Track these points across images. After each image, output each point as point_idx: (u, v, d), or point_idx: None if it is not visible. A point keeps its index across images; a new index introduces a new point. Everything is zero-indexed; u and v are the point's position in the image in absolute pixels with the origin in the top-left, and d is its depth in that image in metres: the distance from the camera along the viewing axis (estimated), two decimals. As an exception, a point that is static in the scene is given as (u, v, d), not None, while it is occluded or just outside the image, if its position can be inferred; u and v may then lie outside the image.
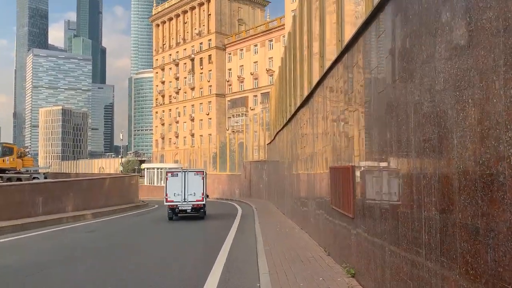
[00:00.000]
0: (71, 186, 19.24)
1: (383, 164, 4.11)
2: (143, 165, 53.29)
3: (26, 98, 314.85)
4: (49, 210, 16.68)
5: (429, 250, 3.09)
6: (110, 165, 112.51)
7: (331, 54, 8.18)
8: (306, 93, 10.31)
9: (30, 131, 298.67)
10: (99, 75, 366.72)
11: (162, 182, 48.50)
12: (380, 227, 4.23)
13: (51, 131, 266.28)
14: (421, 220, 3.24)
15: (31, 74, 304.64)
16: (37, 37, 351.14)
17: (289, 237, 9.76)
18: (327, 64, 7.58)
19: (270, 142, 25.01)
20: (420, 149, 3.24)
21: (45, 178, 30.06)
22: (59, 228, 14.37)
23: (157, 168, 48.73)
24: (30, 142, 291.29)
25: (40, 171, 39.44)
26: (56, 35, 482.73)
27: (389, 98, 3.95)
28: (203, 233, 13.05)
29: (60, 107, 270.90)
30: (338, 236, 6.31)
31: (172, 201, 17.06)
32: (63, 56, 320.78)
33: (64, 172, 70.29)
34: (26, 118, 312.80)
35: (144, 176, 49.70)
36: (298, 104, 11.63)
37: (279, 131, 18.03)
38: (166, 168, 49.26)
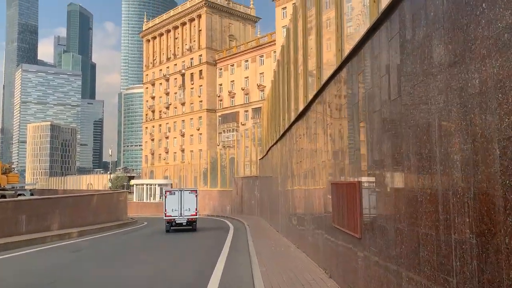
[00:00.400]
0: (56, 203, 18.54)
1: (398, 179, 3.69)
2: (132, 181, 52.42)
3: (14, 114, 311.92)
4: (33, 229, 15.99)
5: (463, 280, 2.65)
6: (99, 182, 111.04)
7: (330, 65, 7.83)
8: (301, 107, 9.94)
9: (18, 147, 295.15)
10: (88, 90, 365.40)
11: (152, 198, 47.68)
12: (395, 250, 3.79)
13: (39, 147, 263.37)
14: (450, 243, 2.80)
15: (20, 89, 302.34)
16: (27, 53, 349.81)
17: (285, 257, 9.27)
18: (326, 74, 7.23)
19: (262, 157, 24.58)
20: (447, 162, 2.82)
21: (32, 194, 29.28)
22: (42, 248, 13.70)
23: (146, 184, 47.96)
24: (18, 158, 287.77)
25: (26, 187, 38.57)
26: (45, 50, 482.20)
27: (405, 105, 3.55)
28: (194, 253, 12.45)
29: (49, 123, 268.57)
30: (342, 257, 5.85)
31: (170, 216, 19.49)
32: (53, 72, 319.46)
33: (52, 188, 69.02)
34: (14, 133, 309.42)
35: (133, 193, 48.81)
36: (293, 118, 11.25)
37: (272, 146, 17.62)
38: (155, 184, 48.59)
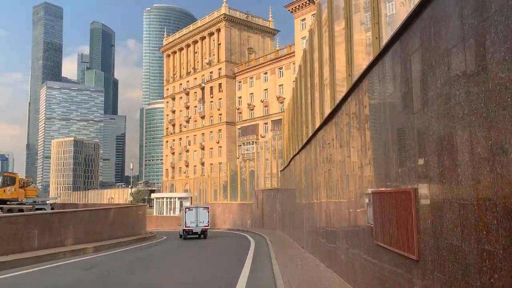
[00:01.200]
0: (71, 218, 17.86)
1: (486, 183, 2.68)
2: (153, 195, 51.90)
3: (39, 130, 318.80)
4: (46, 244, 15.29)
5: None
6: (120, 196, 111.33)
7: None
8: (328, 110, 8.98)
9: (42, 162, 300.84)
10: (111, 106, 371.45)
11: (172, 212, 46.98)
12: (479, 279, 2.77)
13: (63, 162, 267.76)
14: None
15: (45, 106, 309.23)
16: (51, 70, 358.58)
17: (315, 277, 8.21)
18: (359, 70, 6.28)
19: (283, 169, 23.55)
20: None
21: (52, 209, 28.77)
22: (53, 264, 12.93)
23: (166, 198, 47.35)
24: (42, 173, 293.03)
25: (48, 202, 38.33)
26: (69, 68, 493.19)
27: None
28: (213, 271, 11.45)
29: (72, 138, 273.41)
30: (388, 284, 4.79)
31: (189, 227, 25.25)
32: (76, 88, 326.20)
33: (73, 202, 69.19)
34: (38, 149, 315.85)
35: (153, 206, 48.25)
36: (319, 123, 10.28)
37: (295, 155, 16.61)
38: (175, 197, 47.96)
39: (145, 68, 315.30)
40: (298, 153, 15.06)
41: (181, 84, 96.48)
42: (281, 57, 76.25)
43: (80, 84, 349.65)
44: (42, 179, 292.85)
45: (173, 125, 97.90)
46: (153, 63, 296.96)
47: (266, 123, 77.21)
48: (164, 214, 46.56)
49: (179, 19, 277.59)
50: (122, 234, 22.13)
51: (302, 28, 68.86)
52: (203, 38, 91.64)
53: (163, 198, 47.38)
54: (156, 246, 20.36)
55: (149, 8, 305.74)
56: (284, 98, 70.90)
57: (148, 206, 30.17)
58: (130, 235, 23.03)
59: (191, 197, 43.94)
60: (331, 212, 8.40)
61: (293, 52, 72.04)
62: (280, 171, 26.31)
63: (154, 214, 49.15)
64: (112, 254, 16.38)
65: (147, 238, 24.81)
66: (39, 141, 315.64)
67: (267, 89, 78.23)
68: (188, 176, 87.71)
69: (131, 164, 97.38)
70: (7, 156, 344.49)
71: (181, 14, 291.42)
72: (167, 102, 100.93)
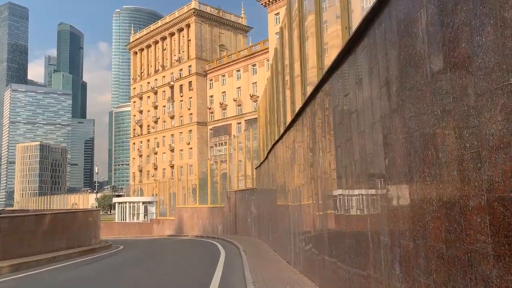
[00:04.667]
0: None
1: None
2: (114, 199, 47.40)
3: (3, 134, 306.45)
4: None
5: None
6: (85, 201, 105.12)
7: None
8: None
9: (7, 167, 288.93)
10: (79, 110, 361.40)
11: (135, 218, 42.68)
12: None
13: (28, 167, 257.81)
14: None
15: (9, 109, 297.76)
16: (16, 73, 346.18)
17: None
18: None
19: (260, 165, 19.97)
20: None
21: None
22: None
23: (129, 202, 42.95)
24: (7, 179, 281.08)
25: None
26: (36, 70, 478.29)
27: None
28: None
29: (38, 143, 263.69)
30: None
31: None
32: (42, 91, 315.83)
33: (25, 209, 63.44)
34: (2, 154, 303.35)
35: (115, 212, 43.80)
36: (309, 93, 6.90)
37: (275, 143, 13.06)
38: (139, 202, 43.63)
39: (115, 70, 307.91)
40: (281, 138, 11.50)
41: (148, 82, 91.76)
42: (254, 53, 72.88)
43: (47, 87, 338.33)
44: (6, 185, 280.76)
45: (141, 126, 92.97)
46: (122, 65, 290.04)
47: (239, 123, 73.59)
48: (127, 220, 42.19)
49: (149, 21, 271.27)
50: (64, 245, 18.04)
51: (276, 23, 65.70)
52: (172, 34, 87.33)
53: (125, 202, 43.00)
54: (101, 260, 16.36)
55: (118, 10, 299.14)
56: (258, 97, 67.51)
57: (99, 210, 26.04)
58: (74, 247, 18.95)
59: (156, 201, 39.76)
60: (335, 217, 4.88)
61: (267, 48, 68.79)
62: (256, 168, 22.71)
63: (117, 220, 44.71)
64: (35, 274, 12.40)
65: (97, 249, 20.69)
66: (2, 146, 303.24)
67: (240, 87, 74.66)
68: (157, 180, 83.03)
69: (96, 168, 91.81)
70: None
71: (150, 15, 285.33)
72: (134, 102, 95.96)
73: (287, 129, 9.95)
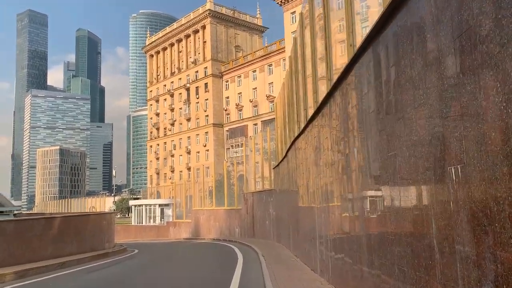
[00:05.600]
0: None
1: None
2: (131, 202, 46.85)
3: (24, 139, 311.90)
4: None
5: None
6: (103, 204, 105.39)
7: None
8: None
9: (28, 172, 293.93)
10: (97, 114, 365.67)
11: (152, 221, 42.04)
12: None
13: (49, 171, 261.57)
14: None
15: (29, 115, 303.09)
16: (36, 79, 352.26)
17: None
18: None
19: (278, 164, 18.96)
20: None
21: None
22: None
23: (145, 205, 42.29)
24: (28, 183, 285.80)
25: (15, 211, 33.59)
26: (55, 76, 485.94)
27: None
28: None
29: (58, 147, 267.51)
30: None
31: None
32: (61, 96, 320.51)
33: (46, 212, 63.44)
34: (23, 159, 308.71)
35: (132, 215, 43.22)
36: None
37: (295, 139, 12.05)
38: (155, 204, 42.99)
39: (132, 75, 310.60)
40: (302, 132, 10.49)
41: (165, 85, 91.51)
42: (270, 53, 71.85)
43: (66, 92, 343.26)
44: (27, 189, 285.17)
45: (157, 129, 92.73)
46: (140, 70, 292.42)
47: (255, 124, 72.61)
48: (144, 223, 41.53)
49: (165, 25, 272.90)
50: (75, 250, 17.31)
51: (292, 22, 64.62)
52: (187, 36, 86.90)
53: (141, 205, 42.34)
54: (113, 266, 15.54)
55: (135, 14, 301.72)
56: (274, 97, 66.50)
57: (115, 213, 25.33)
58: (86, 251, 18.21)
59: (172, 203, 39.02)
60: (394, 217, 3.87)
61: (283, 47, 67.77)
62: (273, 168, 21.71)
63: (133, 224, 44.15)
64: (41, 281, 11.61)
65: (110, 253, 19.93)
66: (24, 151, 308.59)
67: (256, 88, 73.70)
68: (173, 182, 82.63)
69: (114, 172, 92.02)
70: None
71: (167, 19, 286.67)
72: (151, 104, 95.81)
73: (310, 121, 8.92)
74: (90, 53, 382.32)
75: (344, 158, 5.75)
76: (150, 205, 42.53)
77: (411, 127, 3.45)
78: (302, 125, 10.64)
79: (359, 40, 4.93)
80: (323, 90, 8.42)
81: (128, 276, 12.40)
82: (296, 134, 12.14)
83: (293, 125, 13.64)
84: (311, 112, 9.36)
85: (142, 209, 41.80)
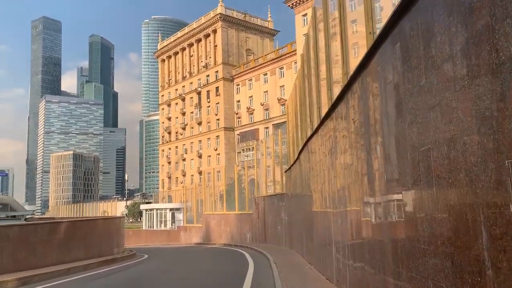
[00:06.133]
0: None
1: None
2: (142, 207, 46.52)
3: (38, 144, 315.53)
4: None
5: None
6: (116, 209, 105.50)
7: None
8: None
9: (42, 176, 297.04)
10: (111, 119, 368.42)
11: (163, 225, 41.64)
12: None
13: (62, 176, 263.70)
14: None
15: (43, 120, 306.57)
16: (50, 84, 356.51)
17: None
18: None
19: (290, 167, 18.38)
20: None
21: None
22: None
23: (157, 209, 41.92)
24: (42, 188, 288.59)
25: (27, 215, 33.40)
26: (69, 82, 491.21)
27: None
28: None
29: (71, 152, 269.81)
30: None
31: None
32: (75, 101, 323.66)
33: (58, 216, 63.60)
34: (37, 164, 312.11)
35: (143, 219, 42.89)
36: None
37: (308, 140, 11.47)
38: (166, 208, 42.57)
39: (145, 80, 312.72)
40: (316, 132, 9.91)
41: (176, 89, 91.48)
42: (281, 56, 71.32)
43: (79, 98, 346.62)
44: (41, 194, 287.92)
45: (169, 133, 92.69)
46: (152, 75, 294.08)
47: (267, 128, 72.02)
48: (154, 228, 41.16)
49: (177, 30, 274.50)
50: (82, 255, 16.88)
51: (304, 24, 64.04)
52: (198, 40, 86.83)
53: (152, 209, 41.97)
54: (120, 272, 15.05)
55: (147, 20, 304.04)
56: (286, 100, 65.91)
57: (123, 217, 24.95)
58: (94, 256, 17.79)
59: (183, 207, 38.56)
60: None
61: (295, 50, 67.16)
62: (285, 171, 21.12)
63: (144, 228, 43.81)
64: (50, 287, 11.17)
65: (118, 259, 19.49)
66: (38, 156, 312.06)
67: (267, 91, 73.18)
68: (185, 186, 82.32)
69: (126, 176, 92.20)
70: (7, 172, 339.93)
71: (178, 24, 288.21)
72: (163, 109, 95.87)
73: (324, 119, 8.35)
74: (103, 58, 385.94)
75: (364, 157, 5.16)
76: (161, 209, 42.14)
77: (450, 114, 2.86)
78: (315, 125, 10.08)
79: (384, 17, 4.36)
80: (338, 85, 7.85)
81: (134, 284, 11.89)
82: (308, 135, 11.57)
83: (305, 125, 13.08)
84: (325, 110, 8.80)
85: (153, 213, 41.43)
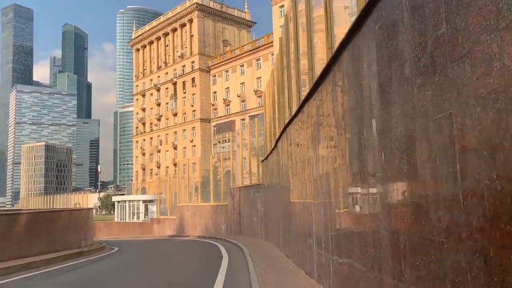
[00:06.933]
0: None
1: None
2: (114, 198, 45.15)
3: (9, 135, 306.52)
4: None
5: None
6: (88, 200, 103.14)
7: None
8: None
9: (12, 168, 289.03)
10: (84, 110, 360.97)
11: (135, 217, 40.47)
12: None
13: (34, 168, 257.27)
14: None
15: (14, 110, 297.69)
16: (22, 74, 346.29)
17: None
18: None
19: (267, 156, 17.67)
20: None
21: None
22: None
23: (129, 201, 40.67)
24: (12, 180, 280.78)
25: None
26: (42, 71, 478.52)
27: None
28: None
29: (43, 143, 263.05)
30: None
31: None
32: (47, 92, 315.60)
33: (26, 208, 61.24)
34: (8, 155, 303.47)
35: (115, 211, 41.58)
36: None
37: (287, 125, 10.75)
38: (139, 200, 41.38)
39: (119, 70, 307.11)
40: (295, 115, 9.19)
41: (151, 80, 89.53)
42: (258, 47, 70.45)
43: (52, 88, 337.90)
44: (12, 186, 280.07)
45: (143, 124, 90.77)
46: (127, 65, 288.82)
47: (243, 119, 71.21)
48: (127, 220, 39.92)
49: (154, 18, 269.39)
50: (45, 249, 15.84)
51: (281, 16, 63.29)
52: (174, 30, 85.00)
53: (125, 201, 40.69)
54: (85, 266, 14.07)
55: (122, 10, 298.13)
56: (262, 92, 65.20)
57: (91, 209, 23.84)
58: (58, 250, 16.75)
59: (156, 199, 37.49)
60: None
61: (271, 42, 66.44)
62: (262, 161, 20.41)
63: (116, 220, 42.53)
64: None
65: (85, 252, 18.45)
66: (8, 147, 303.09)
67: (244, 83, 72.26)
68: (160, 178, 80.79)
69: (99, 167, 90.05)
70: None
71: (154, 15, 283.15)
72: (137, 99, 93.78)
73: (306, 100, 7.61)
74: (76, 48, 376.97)
75: (356, 134, 4.44)
76: (133, 201, 40.92)
77: (489, 63, 2.13)
78: (295, 109, 9.37)
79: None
80: (321, 63, 7.14)
81: (98, 279, 10.97)
82: (287, 121, 10.85)
83: (283, 112, 12.36)
84: (306, 93, 8.08)
85: (125, 205, 40.19)
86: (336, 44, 5.57)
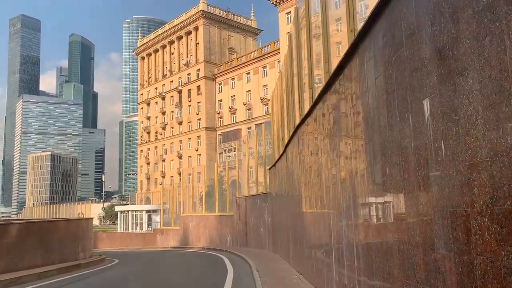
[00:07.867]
0: None
1: None
2: (116, 208, 44.21)
3: (15, 145, 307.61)
4: None
5: None
6: (92, 210, 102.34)
7: None
8: None
9: (18, 178, 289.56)
10: (90, 120, 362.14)
11: (138, 228, 39.45)
12: None
13: (39, 177, 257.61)
14: None
15: (21, 120, 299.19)
16: (28, 84, 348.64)
17: None
18: None
19: (275, 163, 16.67)
20: None
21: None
22: None
23: (132, 211, 39.69)
24: (18, 189, 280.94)
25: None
26: (48, 82, 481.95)
27: None
28: None
29: (49, 153, 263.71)
30: None
31: None
32: (54, 102, 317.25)
33: (27, 218, 60.53)
34: (14, 165, 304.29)
35: (118, 222, 40.59)
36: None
37: (299, 126, 9.77)
38: (142, 210, 40.39)
39: (125, 80, 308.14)
40: (309, 113, 8.20)
41: (156, 88, 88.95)
42: (264, 55, 69.72)
43: (58, 98, 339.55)
44: (18, 195, 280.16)
45: (148, 133, 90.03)
46: (133, 75, 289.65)
47: (249, 128, 70.25)
48: (130, 230, 38.90)
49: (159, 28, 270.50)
50: (39, 261, 14.90)
51: (288, 22, 62.64)
52: (180, 37, 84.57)
53: (127, 211, 39.72)
54: (80, 281, 13.08)
55: (128, 20, 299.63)
56: (269, 100, 64.31)
57: (91, 219, 22.88)
58: (54, 262, 15.79)
59: (159, 209, 36.48)
60: None
61: (278, 49, 65.71)
62: (269, 169, 19.40)
63: (119, 231, 41.53)
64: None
65: (83, 265, 17.44)
66: (15, 157, 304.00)
67: (250, 91, 71.45)
68: (165, 188, 79.80)
69: (103, 177, 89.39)
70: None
71: (160, 24, 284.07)
72: (142, 108, 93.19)
73: (323, 93, 6.62)
74: (83, 58, 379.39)
75: (390, 128, 3.44)
76: (136, 211, 39.93)
77: None
78: (308, 107, 8.39)
79: None
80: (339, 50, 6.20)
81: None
82: (297, 123, 9.88)
83: (293, 113, 11.39)
84: (320, 88, 7.11)
85: (128, 215, 39.19)
86: (359, 28, 4.62)
